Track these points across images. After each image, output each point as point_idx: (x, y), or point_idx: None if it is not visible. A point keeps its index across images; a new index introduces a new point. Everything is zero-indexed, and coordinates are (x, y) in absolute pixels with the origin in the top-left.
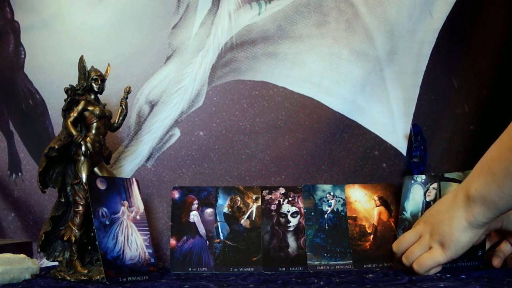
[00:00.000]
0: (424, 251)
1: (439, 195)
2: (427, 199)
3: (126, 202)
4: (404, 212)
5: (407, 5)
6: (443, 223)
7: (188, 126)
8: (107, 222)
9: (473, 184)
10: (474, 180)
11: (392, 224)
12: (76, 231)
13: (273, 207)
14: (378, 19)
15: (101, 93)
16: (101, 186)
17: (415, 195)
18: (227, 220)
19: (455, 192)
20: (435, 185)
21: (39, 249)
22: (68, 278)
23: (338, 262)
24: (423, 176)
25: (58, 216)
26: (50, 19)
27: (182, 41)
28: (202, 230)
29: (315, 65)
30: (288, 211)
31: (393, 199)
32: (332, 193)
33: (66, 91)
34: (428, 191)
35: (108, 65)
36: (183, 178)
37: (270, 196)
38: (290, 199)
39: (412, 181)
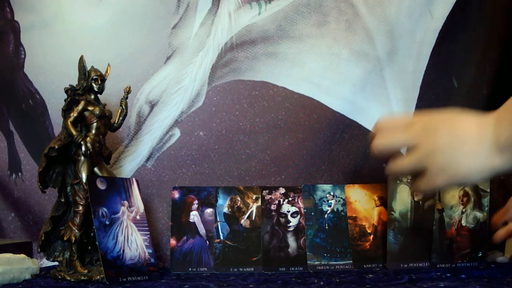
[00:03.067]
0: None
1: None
2: (415, 199)
3: (126, 202)
4: (392, 212)
5: (407, 5)
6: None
7: (188, 126)
8: (107, 222)
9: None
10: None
11: None
12: (76, 231)
13: (273, 207)
14: (378, 19)
15: (101, 93)
16: (101, 186)
17: (402, 194)
18: (227, 220)
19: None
20: None
21: (39, 249)
22: (68, 278)
23: (338, 262)
24: (409, 176)
25: (58, 216)
26: (50, 19)
27: (182, 41)
28: (202, 230)
29: (315, 65)
30: (288, 211)
31: None
32: (332, 193)
33: (66, 91)
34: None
35: (108, 65)
36: (183, 178)
37: (270, 196)
38: (290, 199)
39: (398, 181)
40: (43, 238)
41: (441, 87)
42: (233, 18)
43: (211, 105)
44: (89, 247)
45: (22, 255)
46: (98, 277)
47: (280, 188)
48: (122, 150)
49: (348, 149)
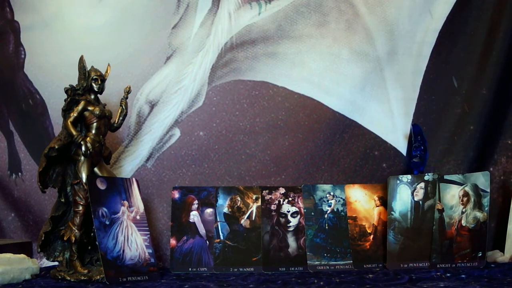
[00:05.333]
0: None
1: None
2: (415, 199)
3: (126, 202)
4: (392, 212)
5: (407, 5)
6: None
7: (188, 126)
8: (107, 222)
9: None
10: None
11: None
12: (76, 231)
13: (273, 207)
14: (378, 19)
15: (101, 93)
16: (101, 186)
17: (402, 195)
18: (227, 220)
19: None
20: (422, 184)
21: (39, 249)
22: (68, 278)
23: (338, 262)
24: (409, 176)
25: (58, 216)
26: (50, 19)
27: (182, 41)
28: (202, 230)
29: (315, 65)
30: (288, 211)
31: None
32: (332, 193)
33: (66, 91)
34: (416, 190)
35: (108, 65)
36: (183, 178)
37: (270, 196)
38: (290, 199)
39: (398, 181)
40: (43, 238)
41: (441, 87)
42: (233, 18)
43: (211, 105)
44: (89, 247)
45: (22, 255)
46: (98, 277)
47: (280, 188)
48: (122, 150)
49: (348, 149)
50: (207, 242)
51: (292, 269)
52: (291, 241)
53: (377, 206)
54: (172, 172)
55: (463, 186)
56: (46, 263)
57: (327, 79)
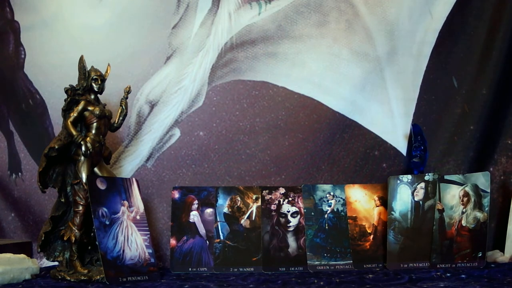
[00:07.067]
0: None
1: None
2: (416, 199)
3: (126, 202)
4: (392, 212)
5: (407, 5)
6: None
7: (188, 126)
8: (107, 222)
9: None
10: None
11: None
12: (76, 231)
13: (273, 207)
14: (378, 19)
15: (101, 93)
16: (101, 186)
17: (403, 195)
18: (227, 220)
19: None
20: (422, 184)
21: (39, 249)
22: (68, 278)
23: (338, 262)
24: (409, 176)
25: (58, 216)
26: (50, 19)
27: (182, 41)
28: (202, 230)
29: (315, 65)
30: (288, 211)
31: None
32: (332, 193)
33: (66, 91)
34: (416, 190)
35: (108, 65)
36: (183, 178)
37: (270, 196)
38: (290, 199)
39: (398, 181)
40: (43, 238)
41: (441, 87)
42: (233, 18)
43: (211, 105)
44: (89, 247)
45: (22, 255)
46: (98, 277)
47: (280, 188)
48: (122, 150)
49: (348, 149)
50: (207, 242)
51: (292, 269)
52: (291, 241)
53: (377, 206)
54: (172, 172)
55: (463, 186)
56: (46, 263)
57: (327, 79)
